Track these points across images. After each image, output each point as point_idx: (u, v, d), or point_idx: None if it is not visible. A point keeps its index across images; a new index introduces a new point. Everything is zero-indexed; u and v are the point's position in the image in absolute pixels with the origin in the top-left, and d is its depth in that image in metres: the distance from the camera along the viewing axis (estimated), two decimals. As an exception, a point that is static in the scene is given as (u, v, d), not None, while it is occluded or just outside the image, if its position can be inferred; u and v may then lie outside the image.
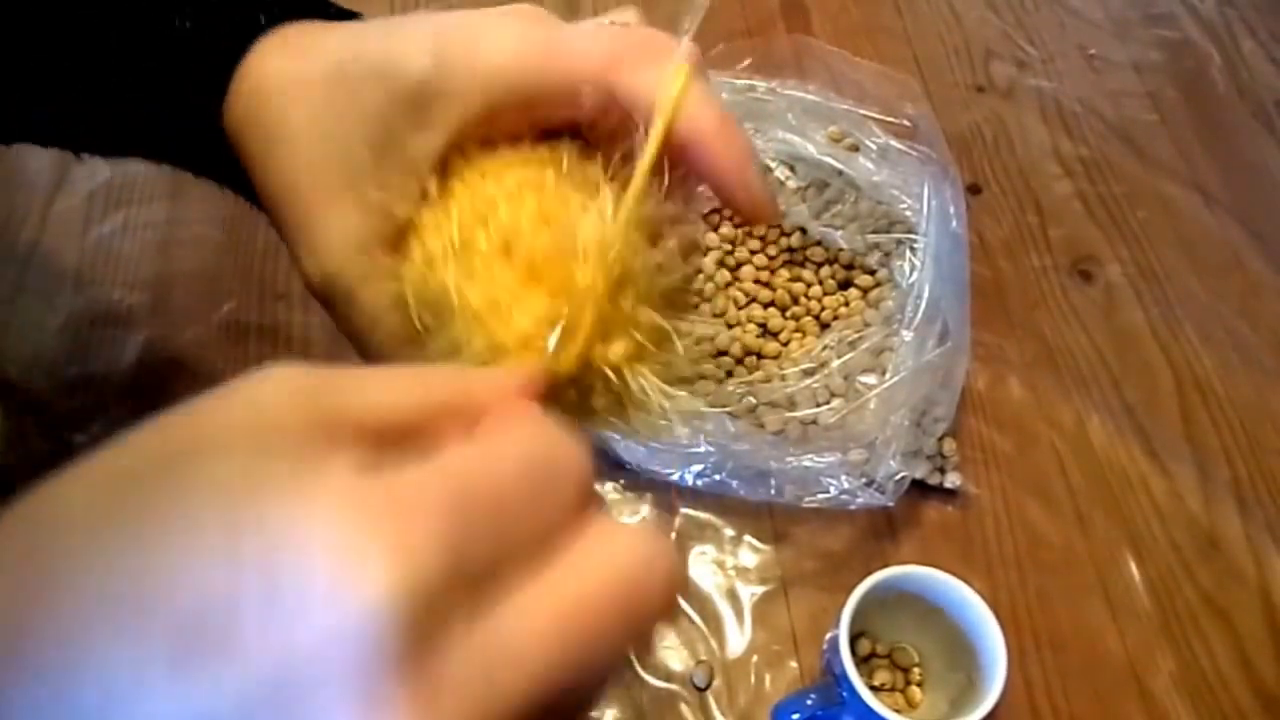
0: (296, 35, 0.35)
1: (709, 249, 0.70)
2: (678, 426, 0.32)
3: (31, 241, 0.72)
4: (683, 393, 0.30)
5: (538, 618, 0.20)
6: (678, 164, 0.32)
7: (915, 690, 0.55)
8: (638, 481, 0.63)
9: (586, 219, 0.29)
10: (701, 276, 0.69)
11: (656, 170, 0.30)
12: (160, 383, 0.65)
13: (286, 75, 0.35)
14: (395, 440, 0.23)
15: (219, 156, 0.36)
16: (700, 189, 0.34)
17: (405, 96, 0.32)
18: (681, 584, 0.24)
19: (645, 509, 0.62)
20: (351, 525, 0.19)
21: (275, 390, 0.22)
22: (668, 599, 0.22)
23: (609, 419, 0.30)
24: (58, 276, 0.70)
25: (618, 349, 0.29)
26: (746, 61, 0.76)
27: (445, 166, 0.32)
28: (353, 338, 0.34)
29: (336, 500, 0.19)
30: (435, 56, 0.32)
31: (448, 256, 0.30)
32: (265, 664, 0.18)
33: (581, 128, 0.33)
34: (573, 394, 0.30)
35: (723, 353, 0.66)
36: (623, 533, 0.22)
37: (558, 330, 0.28)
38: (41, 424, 0.63)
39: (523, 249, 0.29)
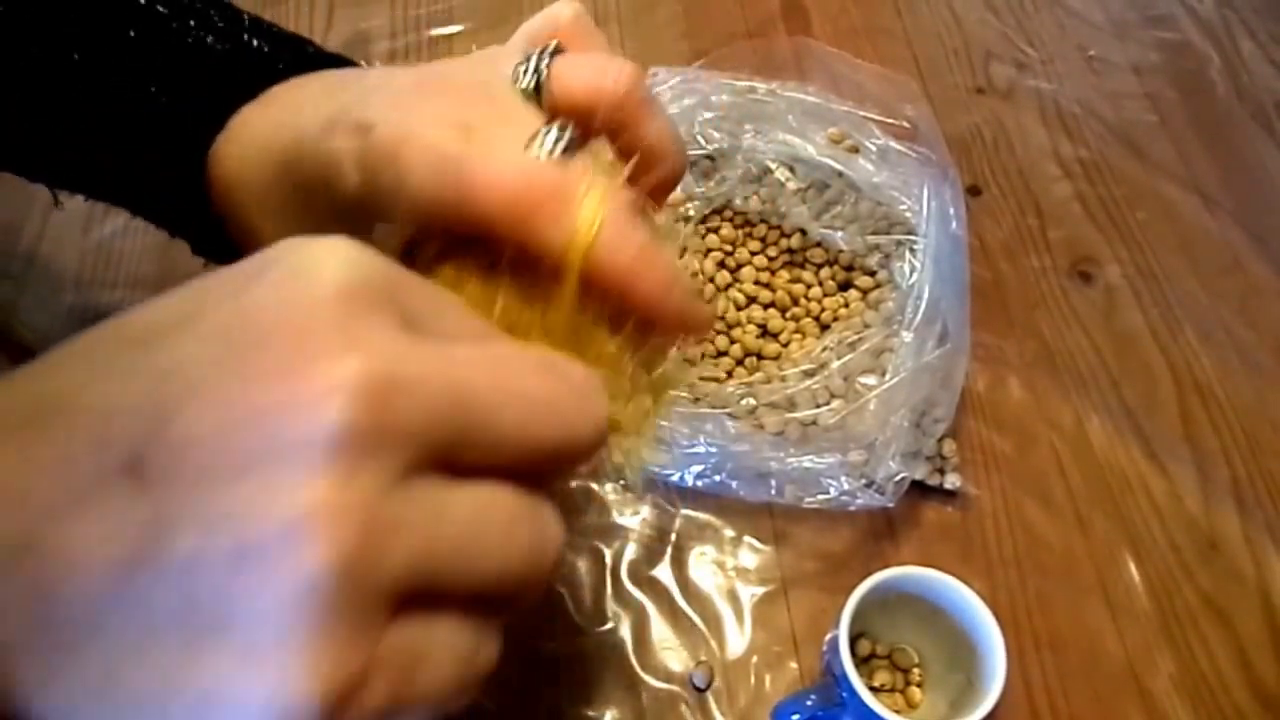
0: (261, 111, 0.37)
1: (709, 250, 0.70)
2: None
3: (33, 242, 0.72)
4: (653, 452, 0.31)
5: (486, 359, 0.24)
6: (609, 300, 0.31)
7: (915, 691, 0.55)
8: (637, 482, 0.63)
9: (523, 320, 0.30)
10: (701, 278, 0.69)
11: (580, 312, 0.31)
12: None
13: (259, 136, 0.36)
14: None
15: (197, 216, 0.38)
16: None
17: (346, 209, 0.32)
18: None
19: (645, 509, 0.63)
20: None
21: (328, 283, 0.22)
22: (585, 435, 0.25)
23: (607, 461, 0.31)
24: (59, 277, 0.70)
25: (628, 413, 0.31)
26: (746, 63, 0.76)
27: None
28: None
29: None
30: (362, 176, 0.32)
31: None
32: None
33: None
34: None
35: (723, 353, 0.67)
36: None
37: None
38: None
39: None
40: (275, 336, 0.20)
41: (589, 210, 0.30)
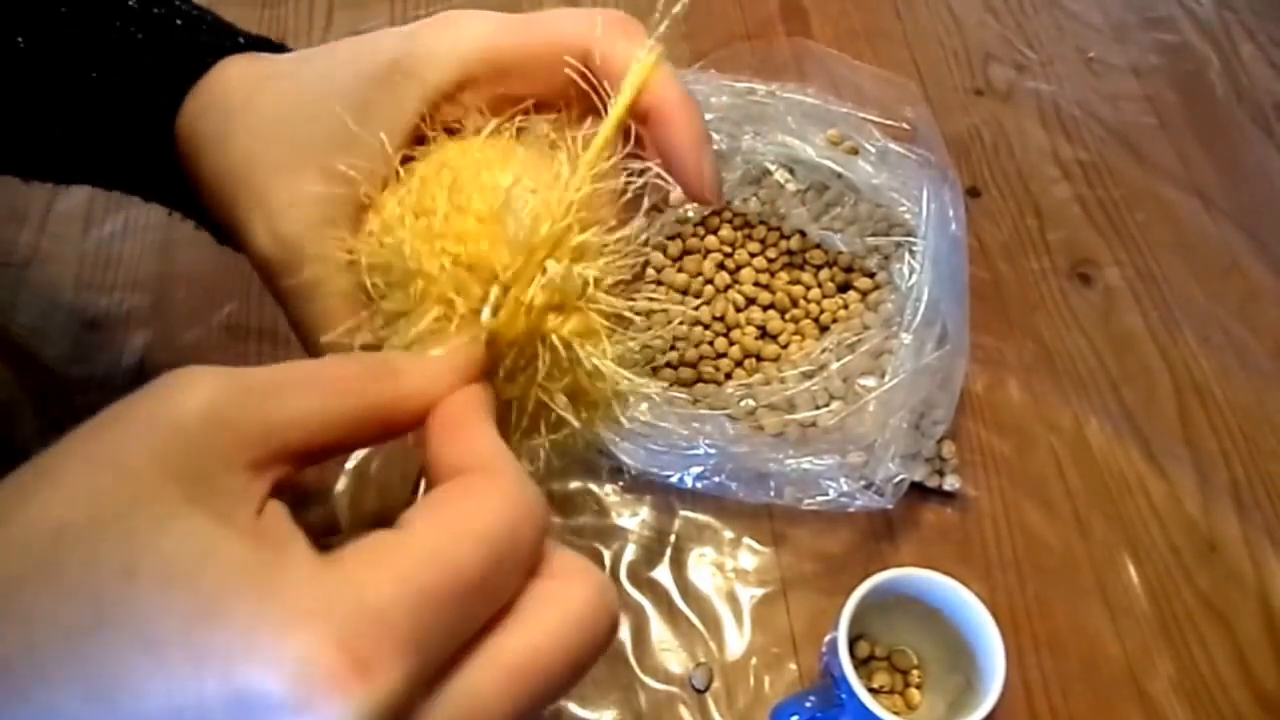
0: (259, 57, 0.36)
1: (708, 251, 0.70)
2: (631, 418, 0.33)
3: (32, 243, 0.72)
4: (637, 378, 0.30)
5: (499, 674, 0.22)
6: (637, 137, 0.33)
7: (914, 692, 0.55)
8: (637, 484, 0.63)
9: (543, 180, 0.30)
10: (700, 279, 0.69)
11: (618, 141, 0.31)
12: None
13: (251, 71, 0.36)
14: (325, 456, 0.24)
15: (168, 172, 0.37)
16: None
17: (376, 73, 0.33)
18: (618, 617, 0.25)
19: (644, 511, 0.62)
20: (318, 642, 0.19)
21: (192, 412, 0.22)
22: (610, 635, 0.24)
23: (564, 411, 0.30)
24: (58, 278, 0.70)
25: (570, 323, 0.29)
26: (746, 65, 0.76)
27: (411, 155, 0.33)
28: (293, 312, 0.34)
29: (300, 609, 0.19)
30: (409, 36, 0.33)
31: (404, 219, 0.30)
32: None
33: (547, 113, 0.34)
34: (523, 378, 0.30)
35: (722, 355, 0.67)
36: (571, 579, 0.24)
37: (495, 289, 0.28)
38: (43, 420, 0.63)
39: (476, 210, 0.29)
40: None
41: (654, 39, 0.32)
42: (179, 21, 0.37)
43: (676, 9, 0.33)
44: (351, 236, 0.31)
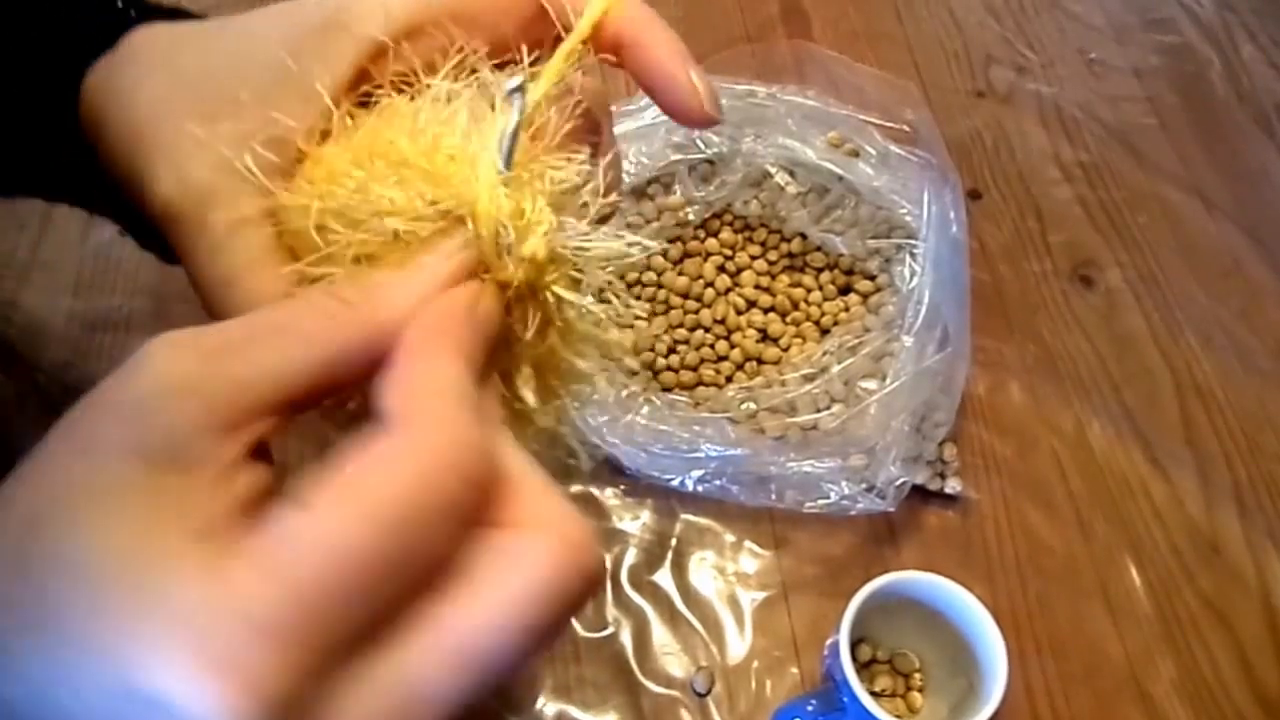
0: (185, 21, 0.33)
1: (709, 254, 0.70)
2: (599, 376, 0.30)
3: (31, 248, 0.71)
4: (594, 308, 0.28)
5: (443, 653, 0.20)
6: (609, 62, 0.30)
7: (916, 696, 0.55)
8: (638, 487, 0.63)
9: (499, 114, 0.28)
10: (701, 282, 0.69)
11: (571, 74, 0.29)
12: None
13: (175, 30, 0.32)
14: (304, 406, 0.23)
15: (75, 150, 0.33)
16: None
17: (309, 26, 0.30)
18: (595, 570, 0.22)
19: (645, 514, 0.62)
20: (197, 660, 0.19)
21: (151, 384, 0.22)
22: (586, 592, 0.22)
23: (584, 366, 0.29)
24: (58, 283, 0.70)
25: (559, 275, 0.27)
26: (746, 67, 0.76)
27: (353, 114, 0.30)
28: (201, 268, 0.30)
29: (179, 626, 0.19)
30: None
31: (361, 163, 0.28)
32: None
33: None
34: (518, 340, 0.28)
35: (723, 358, 0.66)
36: (537, 533, 0.22)
37: (496, 231, 0.26)
38: (41, 425, 0.63)
39: (448, 148, 0.27)
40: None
41: None
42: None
43: None
44: (275, 187, 0.29)
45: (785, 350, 0.67)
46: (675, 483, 0.61)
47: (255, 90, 0.29)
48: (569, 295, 0.27)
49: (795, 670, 0.58)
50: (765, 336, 0.68)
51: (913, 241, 0.67)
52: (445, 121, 0.28)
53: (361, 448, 0.21)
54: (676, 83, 0.31)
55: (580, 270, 0.28)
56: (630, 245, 0.27)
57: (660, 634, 0.59)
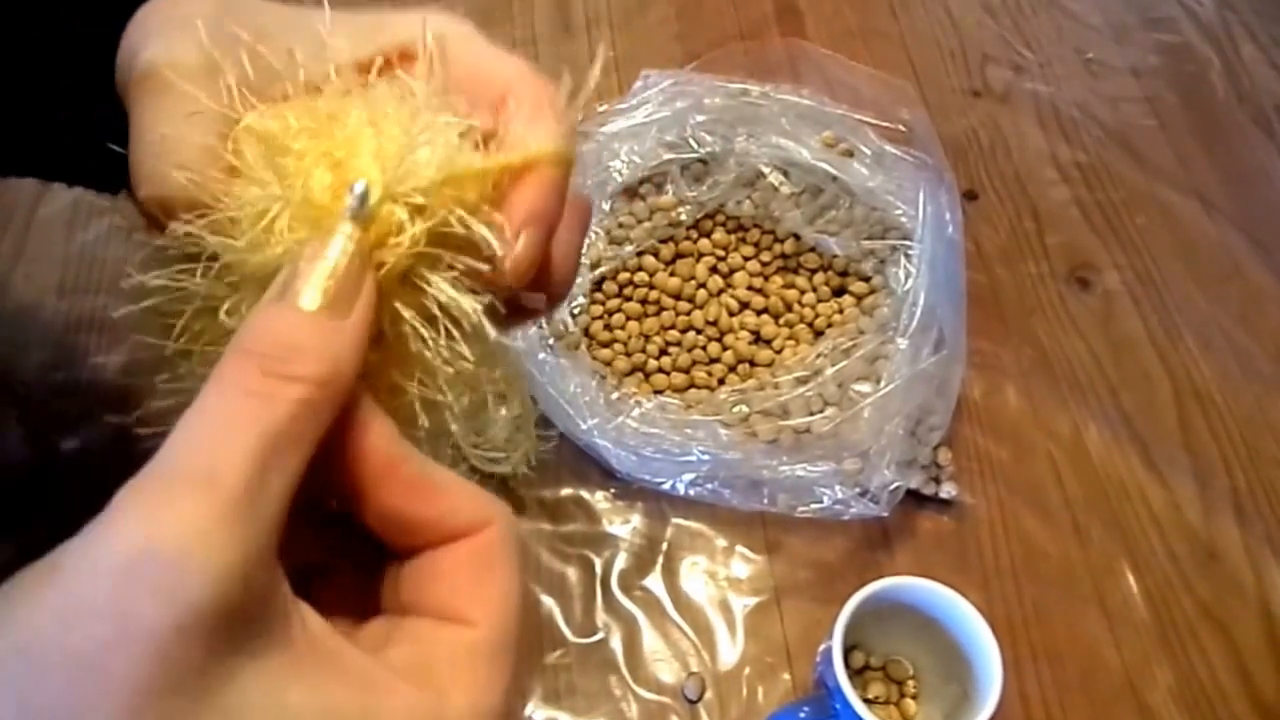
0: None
1: (701, 255, 0.70)
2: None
3: (16, 248, 0.71)
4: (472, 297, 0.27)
5: None
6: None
7: (910, 703, 0.55)
8: (629, 490, 0.62)
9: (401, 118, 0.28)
10: (693, 283, 0.68)
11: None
12: (145, 390, 0.64)
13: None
14: None
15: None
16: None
17: (351, 16, 0.32)
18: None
19: (636, 518, 0.62)
20: None
21: (212, 599, 0.20)
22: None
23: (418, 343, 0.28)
24: (42, 283, 0.70)
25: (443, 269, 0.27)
26: (740, 65, 0.76)
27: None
28: (141, 129, 0.31)
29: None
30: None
31: (290, 112, 0.28)
32: None
33: None
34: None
35: (715, 360, 0.66)
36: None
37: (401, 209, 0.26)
38: (27, 427, 0.63)
39: (332, 131, 0.27)
40: None
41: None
42: None
43: (580, 105, 0.31)
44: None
45: (778, 352, 0.66)
46: (666, 486, 0.60)
47: (280, 25, 0.31)
48: (407, 313, 0.27)
49: (787, 677, 0.57)
50: (758, 338, 0.67)
51: (908, 243, 0.66)
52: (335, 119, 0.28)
53: (481, 565, 0.24)
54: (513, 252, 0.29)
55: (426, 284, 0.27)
56: (473, 308, 0.27)
57: (651, 640, 0.58)
